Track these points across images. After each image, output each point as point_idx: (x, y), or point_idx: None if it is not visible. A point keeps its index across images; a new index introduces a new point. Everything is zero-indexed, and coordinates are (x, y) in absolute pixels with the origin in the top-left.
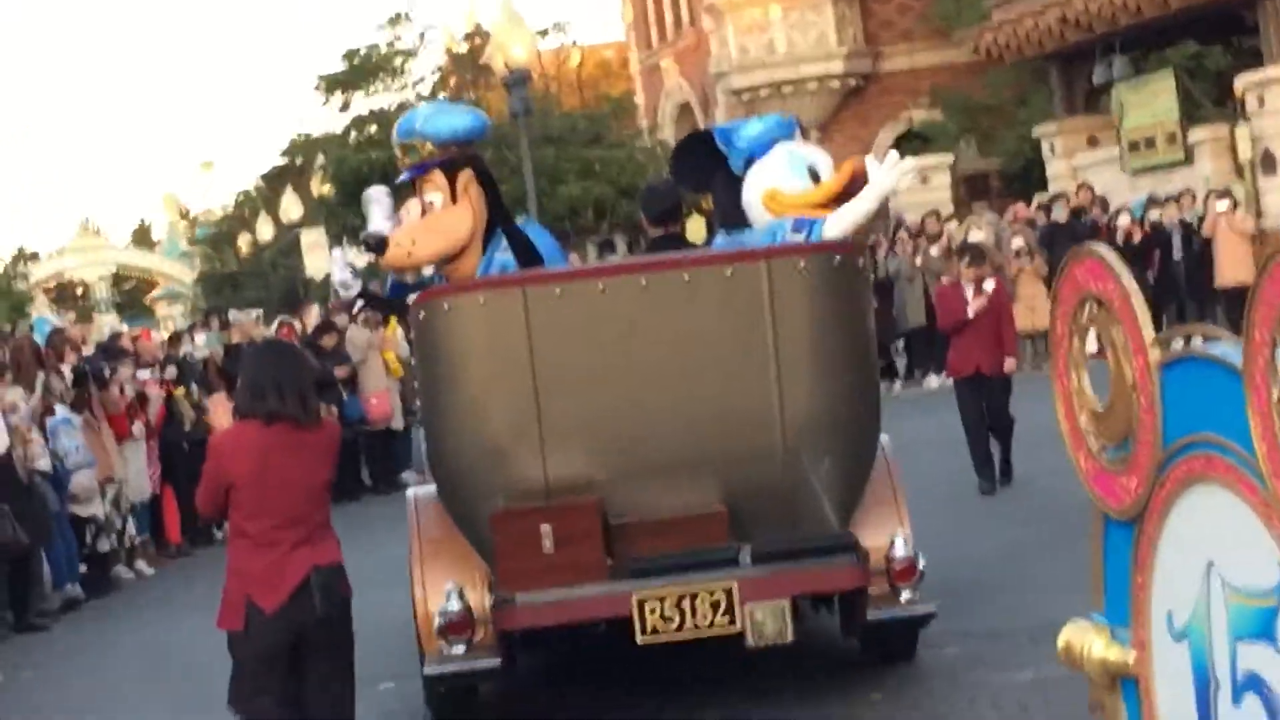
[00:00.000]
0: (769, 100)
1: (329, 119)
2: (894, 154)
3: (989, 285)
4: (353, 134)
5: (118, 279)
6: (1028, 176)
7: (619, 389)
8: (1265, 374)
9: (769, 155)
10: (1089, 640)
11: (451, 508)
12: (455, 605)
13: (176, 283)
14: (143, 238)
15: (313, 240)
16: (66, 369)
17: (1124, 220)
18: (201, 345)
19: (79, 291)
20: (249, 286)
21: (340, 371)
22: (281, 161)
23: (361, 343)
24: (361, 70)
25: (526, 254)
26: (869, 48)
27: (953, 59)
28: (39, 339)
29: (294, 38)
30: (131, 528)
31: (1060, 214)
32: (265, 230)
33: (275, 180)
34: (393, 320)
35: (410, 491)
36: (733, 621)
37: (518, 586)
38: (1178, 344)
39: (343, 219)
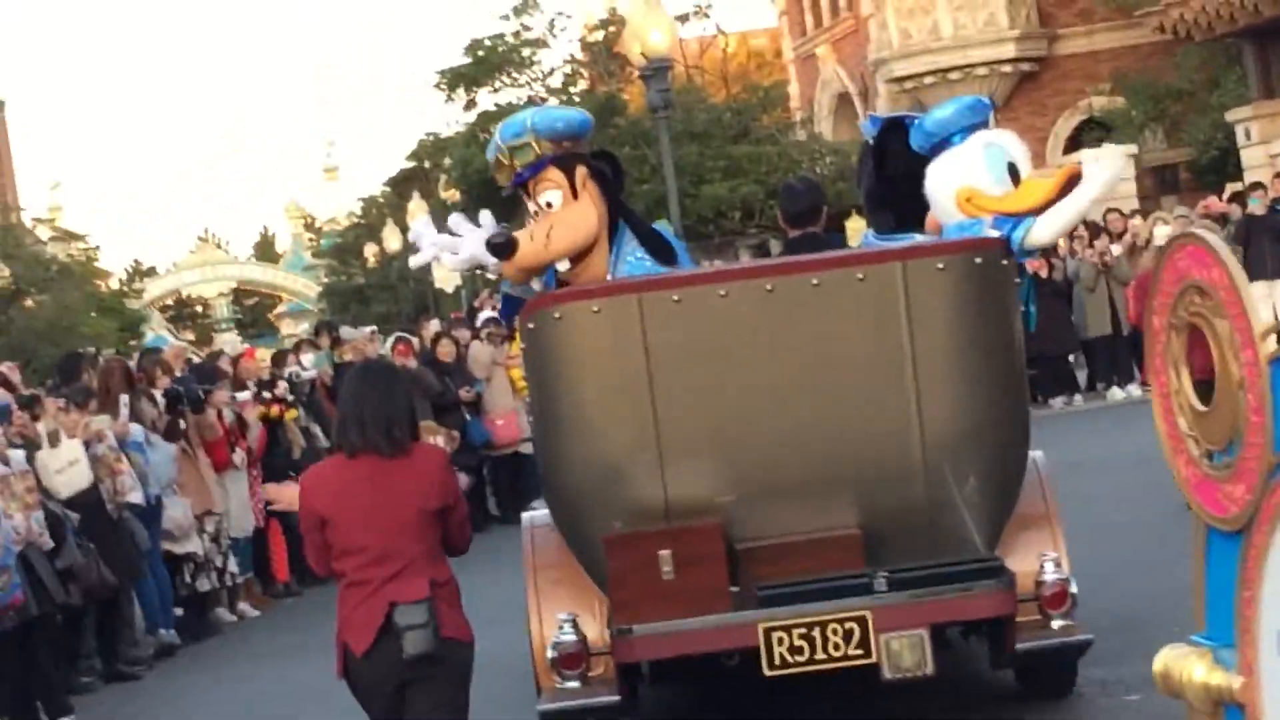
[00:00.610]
0: (934, 88)
1: (456, 118)
2: (1110, 147)
3: None
4: (479, 133)
5: (239, 295)
6: (1221, 167)
7: (743, 402)
8: None
9: (964, 146)
10: (1189, 665)
11: (566, 532)
12: (569, 636)
13: (301, 298)
14: (266, 250)
15: None
16: (159, 393)
17: None
18: (310, 365)
19: (199, 309)
20: (377, 300)
21: (465, 394)
22: (408, 165)
23: (485, 360)
24: (486, 64)
25: (658, 247)
26: (1044, 29)
27: (1136, 39)
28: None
29: (421, 32)
30: (233, 565)
31: (1258, 207)
32: (393, 240)
33: (402, 186)
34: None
35: (526, 516)
36: (867, 653)
37: (635, 616)
38: None
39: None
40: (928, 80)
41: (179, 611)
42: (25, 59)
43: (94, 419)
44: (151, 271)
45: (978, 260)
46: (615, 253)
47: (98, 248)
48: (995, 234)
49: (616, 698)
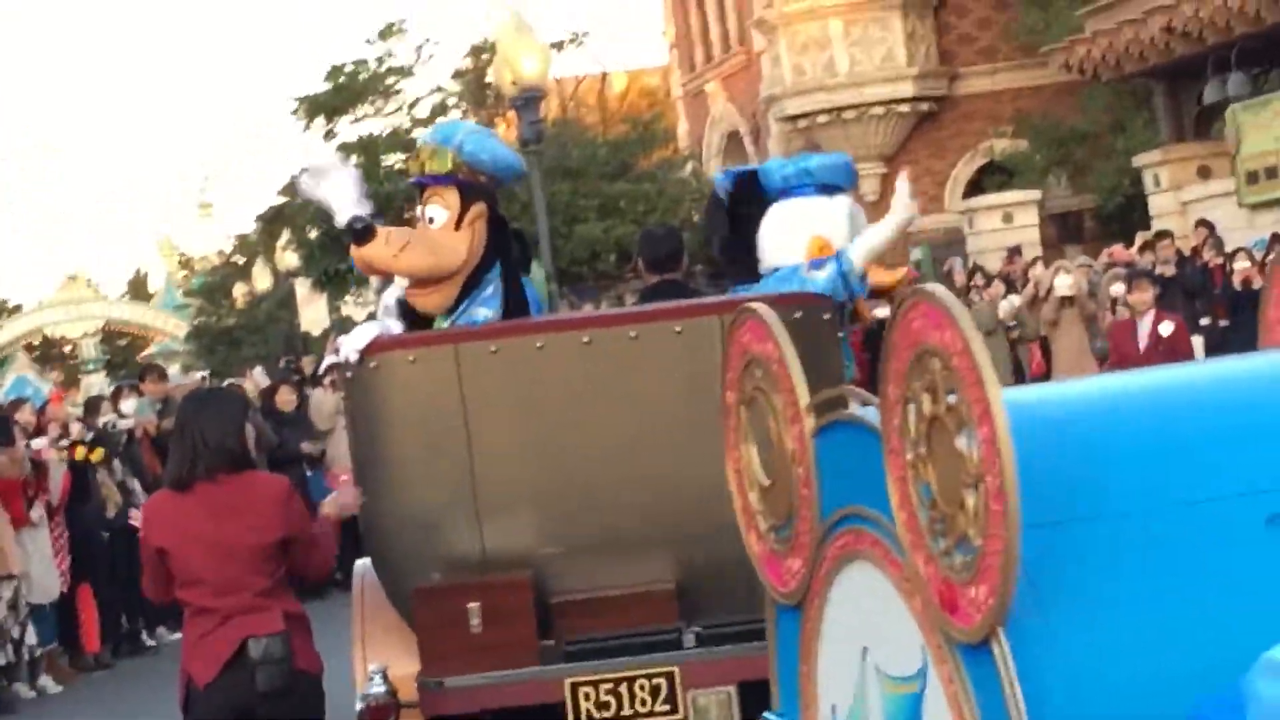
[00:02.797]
0: (828, 128)
1: (319, 149)
2: (903, 183)
3: (1166, 328)
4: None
5: (111, 335)
6: (1128, 214)
7: (560, 456)
8: (899, 434)
9: (834, 201)
10: None
11: (385, 582)
12: (379, 689)
13: (173, 338)
14: (139, 289)
15: (309, 291)
16: None
17: (1242, 264)
18: (130, 412)
19: (67, 350)
20: (247, 343)
21: (306, 447)
22: (280, 201)
23: (329, 410)
24: (347, 91)
25: (518, 307)
26: (944, 67)
27: (1040, 79)
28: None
29: (299, 60)
30: (31, 635)
31: (1166, 255)
32: (263, 279)
33: (273, 223)
34: None
35: (358, 564)
36: (674, 709)
37: (443, 669)
38: (833, 409)
39: (326, 263)
40: (821, 119)
41: None
42: None
43: None
44: (17, 310)
45: (797, 315)
46: (467, 300)
47: None
48: (817, 274)
49: None
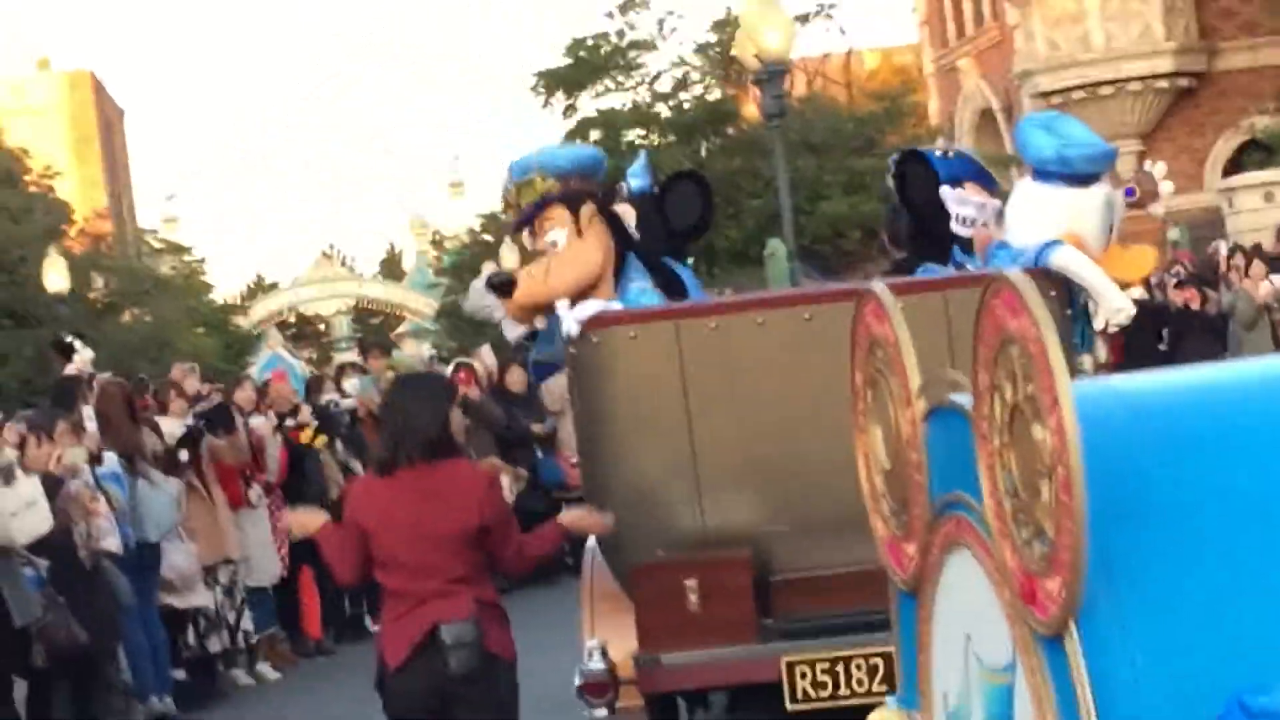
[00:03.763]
0: (1083, 104)
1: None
2: (1128, 303)
3: None
4: (577, 141)
5: (363, 313)
6: None
7: (781, 433)
8: (987, 422)
9: (1089, 191)
10: None
11: (609, 560)
12: (597, 665)
13: (423, 317)
14: (392, 268)
15: None
16: (174, 422)
17: None
18: (353, 391)
19: (320, 328)
20: (495, 323)
21: (536, 428)
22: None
23: (559, 392)
24: (588, 65)
25: (667, 280)
26: (1203, 42)
27: None
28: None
29: (542, 35)
30: (248, 621)
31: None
32: (510, 258)
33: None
34: None
35: (588, 543)
36: (892, 689)
37: (659, 646)
38: (940, 392)
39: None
40: (1076, 95)
41: (180, 675)
42: (146, 69)
43: (69, 450)
44: (273, 287)
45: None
46: (621, 288)
47: (203, 260)
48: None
49: None
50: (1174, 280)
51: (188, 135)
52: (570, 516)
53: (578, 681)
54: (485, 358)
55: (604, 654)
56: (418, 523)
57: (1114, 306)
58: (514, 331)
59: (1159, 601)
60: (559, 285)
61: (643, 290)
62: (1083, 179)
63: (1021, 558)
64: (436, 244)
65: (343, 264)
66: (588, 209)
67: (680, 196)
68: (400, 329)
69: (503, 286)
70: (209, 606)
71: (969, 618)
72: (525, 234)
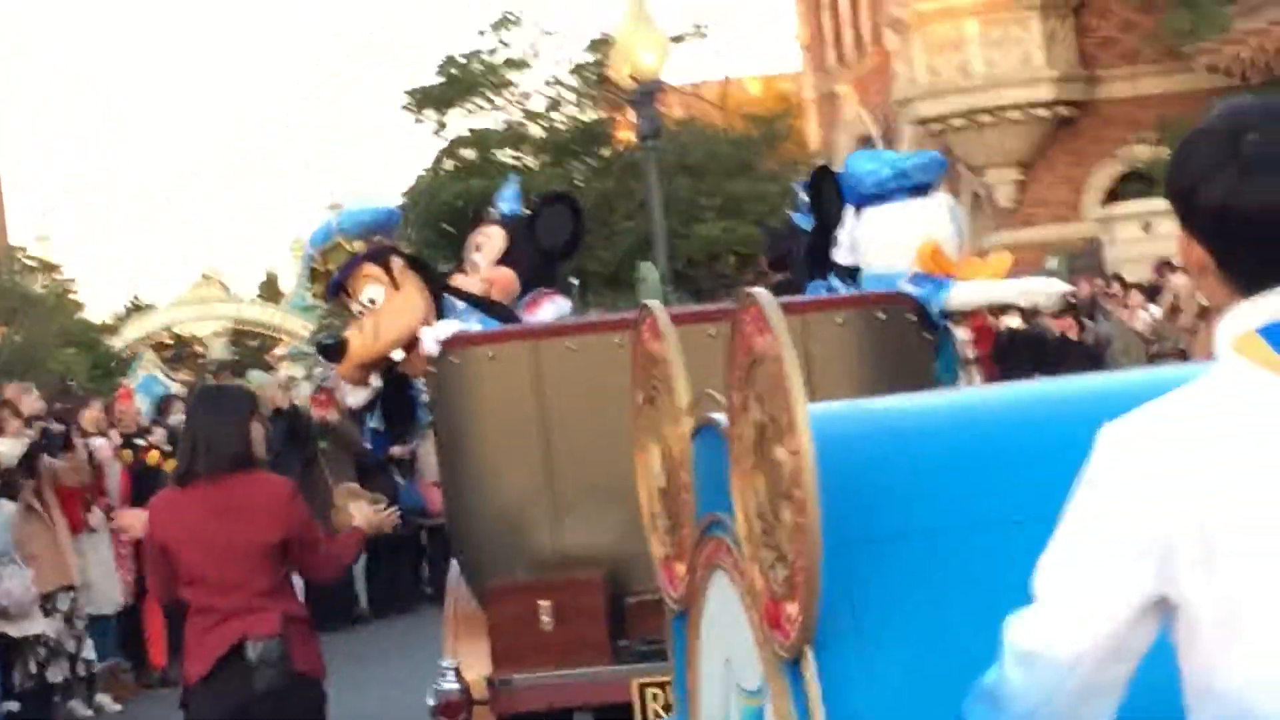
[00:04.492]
0: (963, 132)
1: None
2: (1056, 283)
3: None
4: (446, 161)
5: (241, 335)
6: None
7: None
8: (739, 441)
9: (930, 200)
10: None
11: (469, 581)
12: (450, 685)
13: (302, 339)
14: (271, 290)
15: None
16: (9, 442)
17: None
18: None
19: (198, 349)
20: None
21: (396, 452)
22: (402, 201)
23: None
24: (460, 84)
25: (489, 307)
26: (1084, 71)
27: (1185, 85)
28: (144, 400)
29: (420, 53)
30: (89, 650)
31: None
32: None
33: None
34: None
35: (453, 563)
36: None
37: (513, 666)
38: (704, 410)
39: (433, 260)
40: (956, 123)
41: (13, 706)
42: (19, 80)
43: None
44: (150, 308)
45: (880, 315)
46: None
47: (73, 280)
48: (910, 290)
49: None
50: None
51: (64, 151)
52: (364, 517)
53: (431, 702)
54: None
55: (458, 675)
56: (218, 536)
57: (1049, 293)
58: (356, 397)
59: (900, 627)
60: (389, 338)
61: (467, 318)
62: (922, 188)
63: (766, 581)
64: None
65: (220, 285)
66: (397, 261)
67: (551, 218)
68: (278, 350)
69: (332, 349)
70: (48, 634)
71: (728, 640)
72: (340, 297)
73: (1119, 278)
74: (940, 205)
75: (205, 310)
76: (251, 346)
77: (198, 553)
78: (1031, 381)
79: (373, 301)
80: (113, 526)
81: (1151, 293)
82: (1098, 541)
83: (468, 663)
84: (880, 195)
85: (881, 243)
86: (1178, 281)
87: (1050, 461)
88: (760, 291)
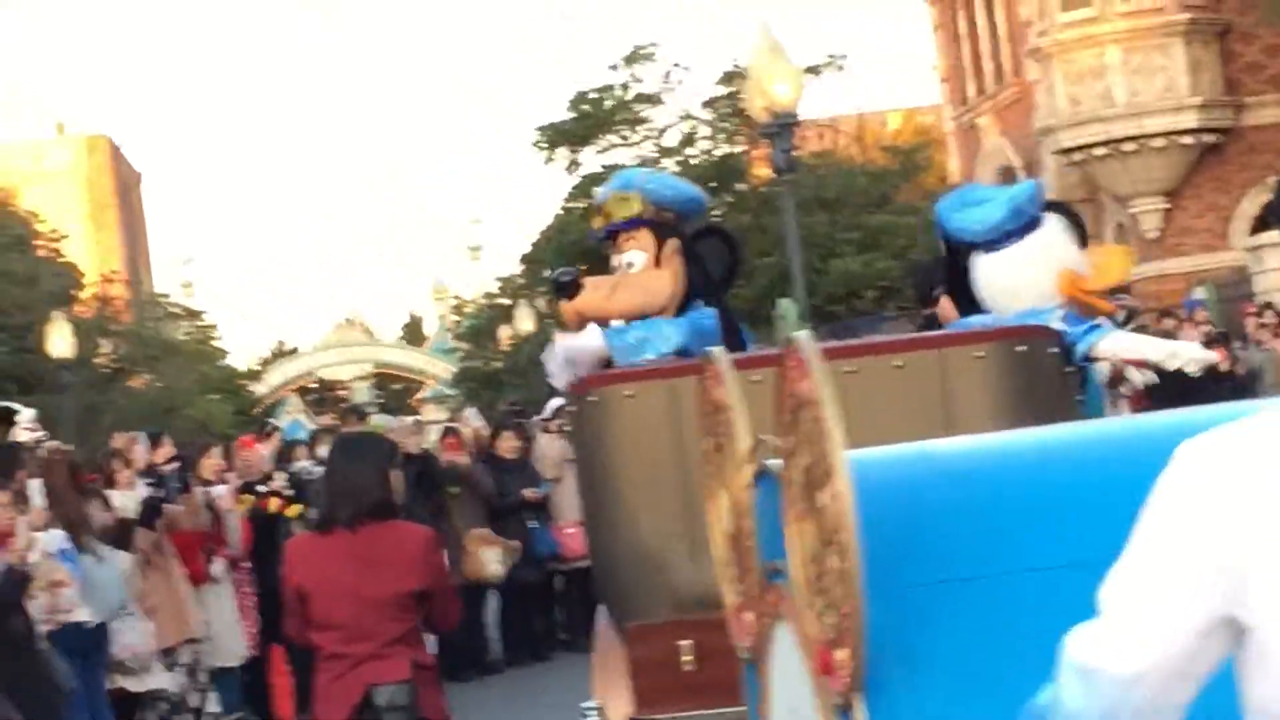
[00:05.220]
0: (1106, 161)
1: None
2: (1205, 351)
3: None
4: (579, 199)
5: (385, 379)
6: None
7: None
8: (792, 486)
9: (1046, 229)
10: None
11: (613, 621)
12: None
13: (444, 381)
14: (415, 333)
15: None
16: (122, 494)
17: None
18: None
19: (341, 393)
20: (510, 386)
21: (529, 496)
22: (542, 243)
23: (554, 456)
24: (592, 119)
25: (729, 330)
26: (1230, 97)
27: None
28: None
29: (556, 95)
30: (213, 704)
31: None
32: (525, 321)
33: (536, 263)
34: None
35: (601, 607)
36: None
37: (653, 707)
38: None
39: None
40: (1098, 152)
41: None
42: (164, 132)
43: (19, 523)
44: (293, 353)
45: (1020, 348)
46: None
47: (214, 325)
48: (1061, 327)
49: None
50: (1201, 339)
51: (206, 199)
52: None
53: None
54: (471, 421)
55: (600, 715)
56: (355, 584)
57: (1198, 359)
58: (561, 379)
59: (952, 672)
60: (620, 305)
61: (700, 325)
62: (1034, 222)
63: (819, 627)
64: (457, 309)
65: (363, 329)
66: (673, 243)
67: (708, 250)
68: (421, 394)
69: (566, 286)
70: (169, 689)
71: (791, 690)
72: (605, 244)
73: (1270, 306)
74: (1053, 227)
75: (348, 354)
76: (395, 390)
77: (334, 599)
78: (1092, 423)
79: (630, 265)
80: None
81: None
82: (1167, 559)
83: (612, 705)
84: (995, 241)
85: (1016, 286)
86: None
87: (1105, 504)
88: (801, 335)
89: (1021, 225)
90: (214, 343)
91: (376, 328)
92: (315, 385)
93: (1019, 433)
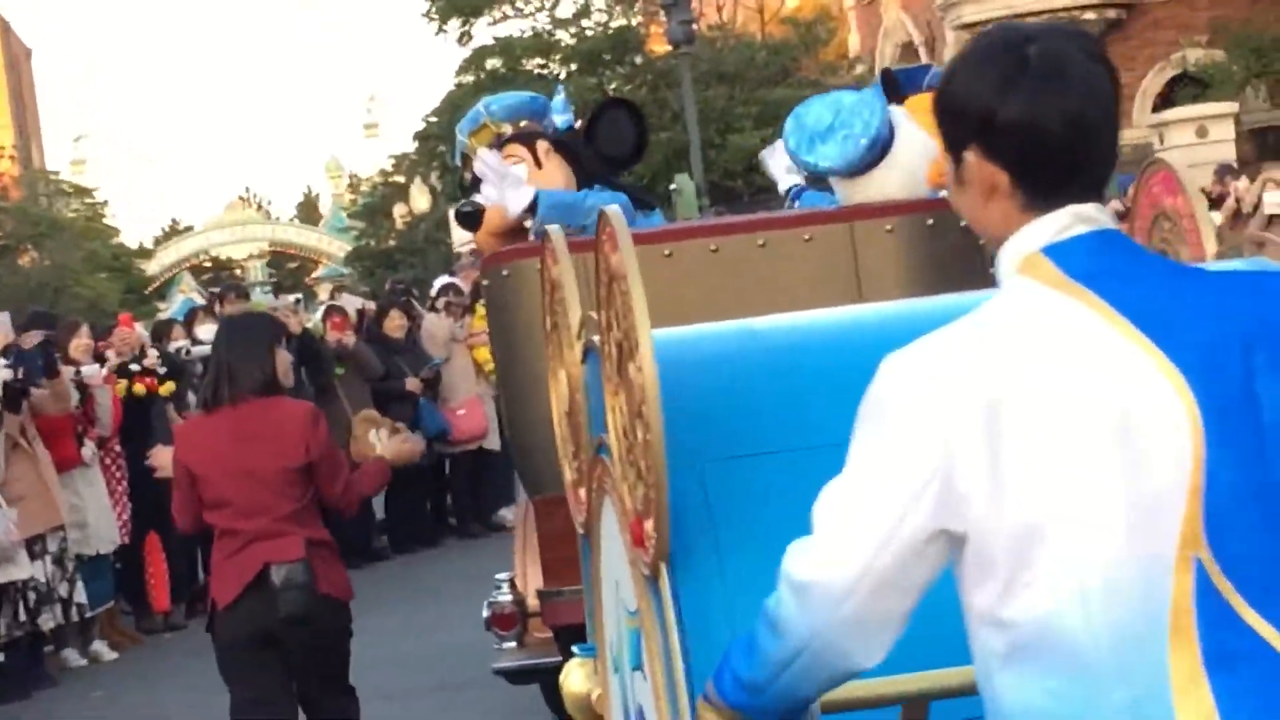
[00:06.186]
0: None
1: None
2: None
3: None
4: (470, 72)
5: (280, 258)
6: None
7: None
8: (609, 361)
9: (900, 133)
10: (570, 676)
11: (526, 493)
12: (504, 598)
13: (337, 261)
14: (310, 211)
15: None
16: None
17: None
18: (207, 338)
19: (236, 272)
20: (405, 265)
21: (417, 379)
22: (436, 120)
23: (442, 335)
24: None
25: (633, 195)
26: None
27: None
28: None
29: None
30: (81, 594)
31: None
32: (421, 200)
33: (431, 141)
34: (479, 308)
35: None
36: None
37: (562, 579)
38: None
39: (457, 176)
40: None
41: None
42: (56, 6)
43: None
44: (188, 231)
45: (929, 222)
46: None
47: (105, 203)
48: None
49: (558, 659)
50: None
51: (99, 76)
52: (389, 448)
53: (485, 614)
54: (351, 303)
55: (513, 587)
56: (242, 460)
57: None
58: (518, 204)
59: (756, 544)
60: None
61: (614, 197)
62: (891, 138)
63: (630, 499)
64: (353, 187)
65: (259, 208)
66: (543, 144)
67: (610, 125)
68: (317, 273)
69: (470, 216)
70: (37, 579)
71: (615, 563)
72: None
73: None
74: (909, 129)
75: (242, 233)
76: (290, 269)
77: (223, 477)
78: (892, 303)
79: None
80: (149, 464)
81: (1213, 201)
82: (872, 474)
83: (524, 577)
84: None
85: (913, 165)
86: (1241, 187)
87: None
88: (613, 210)
89: (880, 150)
90: (105, 221)
91: (272, 206)
92: (209, 264)
93: (831, 311)
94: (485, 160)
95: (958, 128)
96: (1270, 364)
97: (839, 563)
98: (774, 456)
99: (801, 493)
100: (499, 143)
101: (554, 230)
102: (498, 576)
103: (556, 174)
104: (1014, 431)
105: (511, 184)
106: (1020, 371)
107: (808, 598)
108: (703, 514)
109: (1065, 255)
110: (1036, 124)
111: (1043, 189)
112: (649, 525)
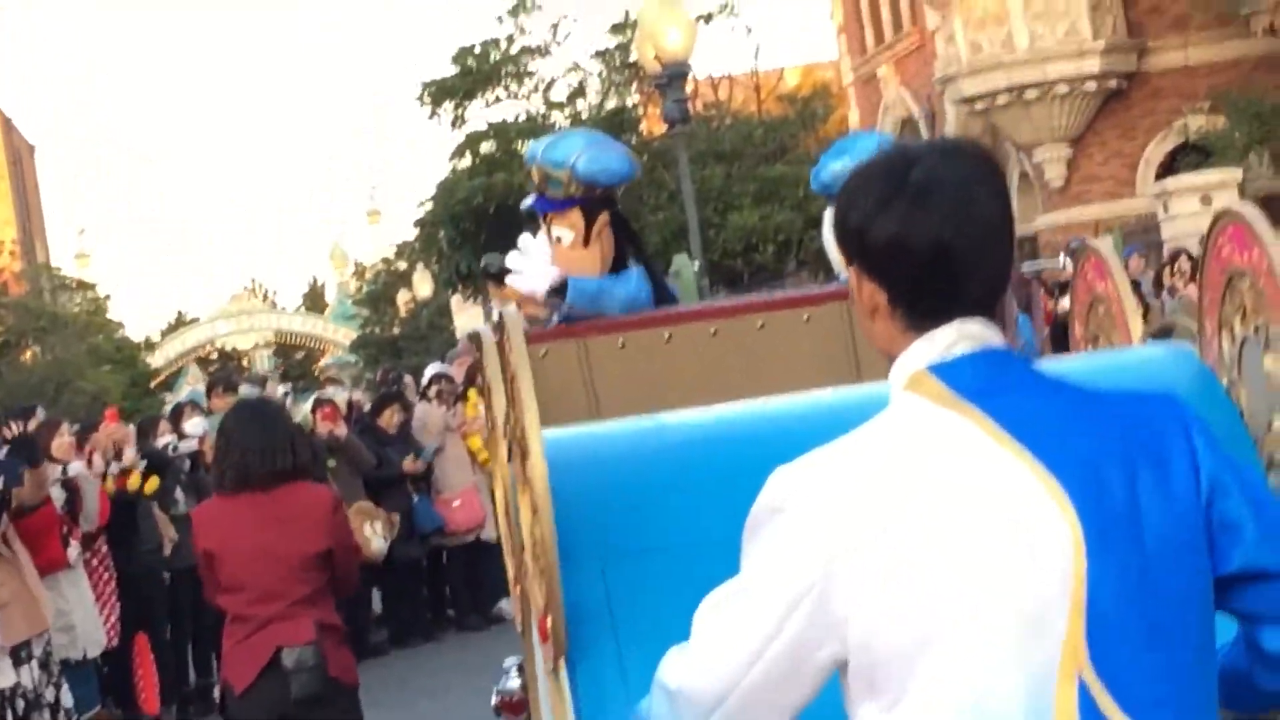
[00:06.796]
0: (1009, 109)
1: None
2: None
3: None
4: (465, 156)
5: (286, 348)
6: None
7: None
8: (510, 457)
9: None
10: None
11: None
12: (513, 683)
13: (343, 349)
14: (316, 300)
15: (462, 299)
16: None
17: None
18: (195, 431)
19: (243, 363)
20: (409, 352)
21: (410, 466)
22: (431, 207)
23: (435, 425)
24: (478, 74)
25: (659, 289)
26: (1132, 41)
27: (1238, 52)
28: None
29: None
30: (67, 698)
31: None
32: (423, 286)
33: (431, 228)
34: (472, 395)
35: None
36: None
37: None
38: None
39: (454, 263)
40: (1001, 100)
41: None
42: (58, 104)
43: None
44: (194, 323)
45: None
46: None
47: (107, 297)
48: None
49: None
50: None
51: (102, 171)
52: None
53: (494, 701)
54: (342, 394)
55: (520, 672)
56: (261, 546)
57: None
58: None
59: (650, 637)
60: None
61: (640, 288)
62: None
63: (539, 595)
64: (358, 274)
65: (265, 298)
66: (602, 219)
67: None
68: (324, 361)
69: (497, 275)
70: (26, 686)
71: (539, 657)
72: (539, 218)
73: (1186, 253)
74: None
75: (247, 323)
76: (297, 359)
77: (240, 561)
78: (786, 397)
79: (559, 240)
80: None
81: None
82: (750, 587)
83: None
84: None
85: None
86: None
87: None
88: (509, 313)
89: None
90: (108, 314)
91: (278, 295)
92: (215, 355)
93: (739, 404)
94: (526, 244)
95: (843, 244)
96: (1155, 484)
97: (709, 674)
98: (677, 551)
99: (704, 589)
100: (566, 203)
101: (484, 329)
102: (506, 662)
103: (595, 258)
104: (901, 549)
105: (542, 267)
106: (907, 489)
107: (677, 705)
108: (604, 610)
109: (952, 373)
110: (904, 246)
111: (920, 309)
112: (548, 621)
